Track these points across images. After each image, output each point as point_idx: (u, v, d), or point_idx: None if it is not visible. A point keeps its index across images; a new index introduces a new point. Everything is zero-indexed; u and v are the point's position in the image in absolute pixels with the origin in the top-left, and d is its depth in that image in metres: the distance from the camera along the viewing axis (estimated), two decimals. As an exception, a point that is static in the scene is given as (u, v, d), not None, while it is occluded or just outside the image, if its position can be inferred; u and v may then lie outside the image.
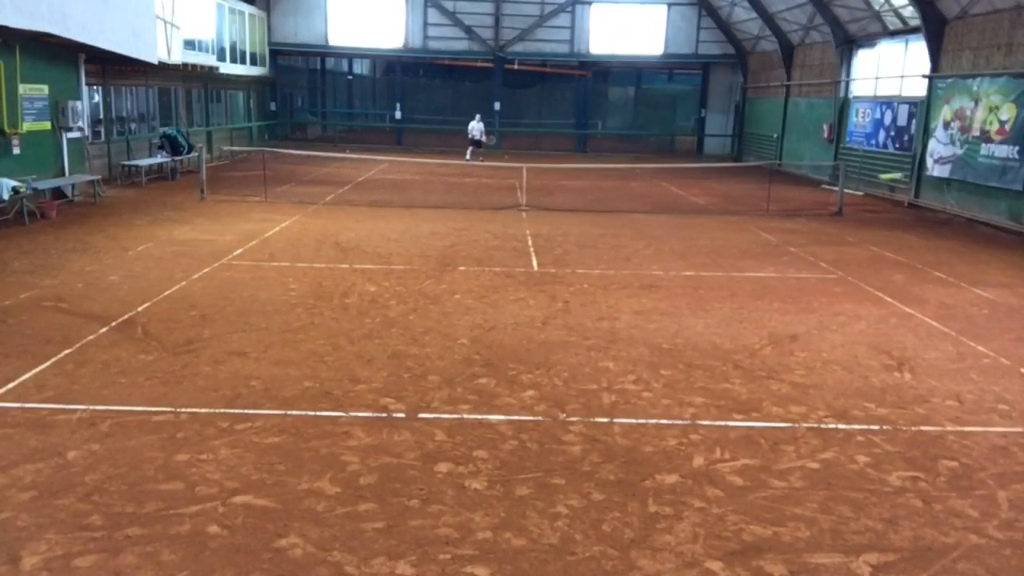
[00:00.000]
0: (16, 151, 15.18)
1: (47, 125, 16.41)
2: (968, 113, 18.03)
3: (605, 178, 25.18)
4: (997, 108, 16.99)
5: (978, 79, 17.73)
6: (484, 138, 28.84)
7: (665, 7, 33.75)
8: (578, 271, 11.46)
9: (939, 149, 19.19)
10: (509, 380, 6.96)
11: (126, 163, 20.62)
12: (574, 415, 6.26)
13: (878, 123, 22.56)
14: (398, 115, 36.32)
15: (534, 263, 11.92)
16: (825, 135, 25.58)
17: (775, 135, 30.06)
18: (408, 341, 7.96)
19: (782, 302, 10.02)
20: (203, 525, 4.51)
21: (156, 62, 19.21)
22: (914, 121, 20.61)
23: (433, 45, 34.37)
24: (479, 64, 36.27)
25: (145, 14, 18.19)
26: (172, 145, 22.10)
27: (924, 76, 20.03)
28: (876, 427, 6.22)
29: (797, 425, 6.20)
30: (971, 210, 17.81)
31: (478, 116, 29.05)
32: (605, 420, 6.18)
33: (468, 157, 27.68)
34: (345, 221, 15.22)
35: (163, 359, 7.22)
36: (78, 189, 17.01)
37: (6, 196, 13.67)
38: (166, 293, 9.50)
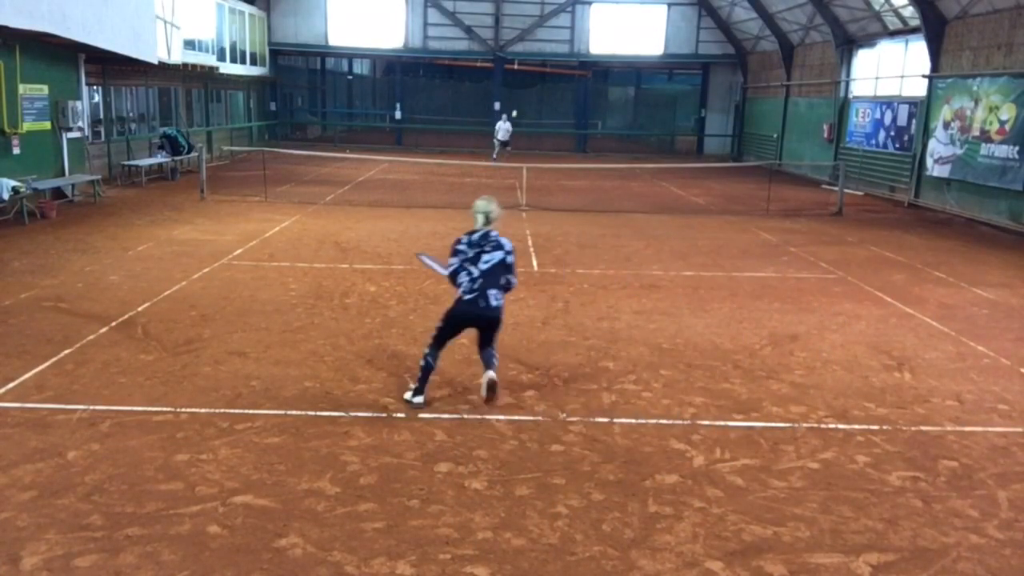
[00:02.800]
0: (16, 151, 15.19)
1: (47, 125, 16.42)
2: (968, 113, 18.03)
3: (605, 178, 25.18)
4: (997, 108, 16.99)
5: (978, 79, 17.73)
6: (509, 138, 29.12)
7: (665, 7, 33.76)
8: (578, 271, 11.46)
9: (939, 149, 19.19)
10: (509, 380, 6.95)
11: (126, 163, 20.63)
12: (574, 415, 6.26)
13: (878, 123, 22.57)
14: (398, 115, 36.34)
15: (534, 263, 11.92)
16: (825, 135, 25.59)
17: (775, 135, 30.07)
18: (408, 341, 7.96)
19: (782, 302, 10.02)
20: (203, 525, 4.51)
21: (156, 62, 19.20)
22: (914, 121, 20.61)
23: (433, 45, 34.37)
24: (479, 64, 36.26)
25: (145, 14, 18.19)
26: (172, 145, 22.10)
27: (924, 76, 20.04)
28: (876, 427, 6.22)
29: (797, 425, 6.20)
30: (971, 210, 17.82)
31: (505, 116, 29.41)
32: (605, 420, 6.18)
33: (495, 156, 28.05)
34: (345, 221, 15.22)
35: (163, 359, 7.22)
36: (78, 189, 17.01)
37: (6, 196, 13.67)
38: (166, 293, 9.50)
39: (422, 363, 6.29)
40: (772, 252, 13.40)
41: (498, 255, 6.16)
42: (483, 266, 6.13)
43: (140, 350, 7.44)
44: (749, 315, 9.36)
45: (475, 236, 6.18)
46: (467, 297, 6.14)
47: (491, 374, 6.31)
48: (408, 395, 6.35)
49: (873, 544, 4.56)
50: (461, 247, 6.19)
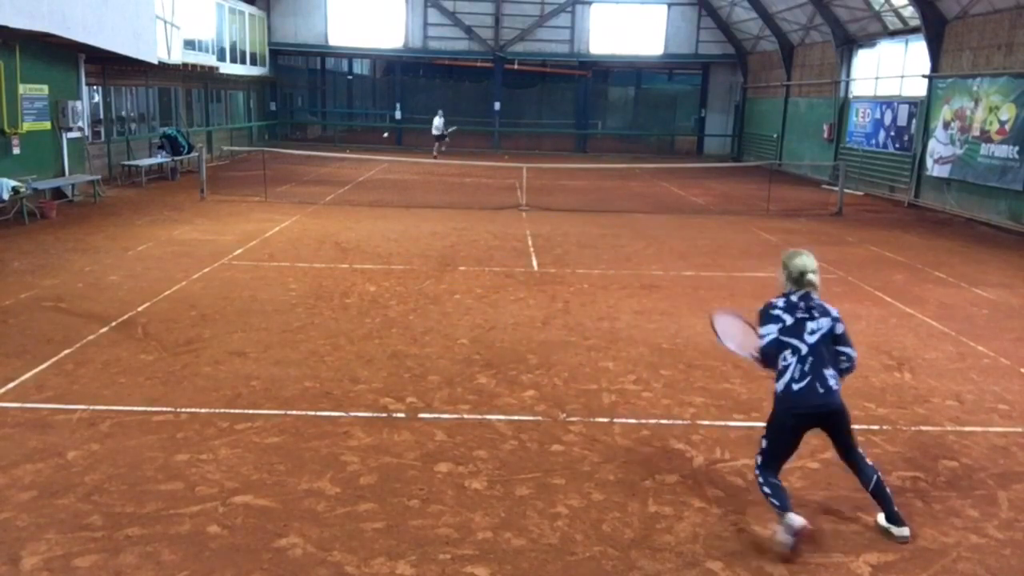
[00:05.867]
0: (16, 151, 15.19)
1: (47, 125, 16.41)
2: (968, 113, 18.03)
3: (605, 178, 25.18)
4: (997, 108, 16.99)
5: (978, 79, 17.73)
6: (447, 132, 29.84)
7: (665, 7, 33.75)
8: (578, 271, 11.45)
9: (939, 149, 19.19)
10: (509, 380, 6.96)
11: (126, 163, 20.63)
12: (574, 415, 6.26)
13: (878, 123, 22.56)
14: (398, 115, 36.33)
15: (534, 263, 11.92)
16: (825, 135, 25.58)
17: (775, 135, 30.06)
18: (408, 341, 7.96)
19: (782, 302, 10.00)
20: (203, 525, 4.51)
21: (156, 62, 19.21)
22: (914, 121, 20.61)
23: (433, 45, 34.36)
24: (479, 64, 36.26)
25: (145, 14, 18.19)
26: (172, 145, 22.10)
27: (924, 76, 20.03)
28: (876, 427, 6.22)
29: (797, 425, 6.19)
30: (971, 210, 17.82)
31: (440, 112, 30.23)
32: (605, 420, 6.18)
33: (435, 153, 28.32)
34: (345, 221, 15.22)
35: (163, 359, 7.22)
36: (78, 189, 17.02)
37: (6, 196, 13.67)
38: (166, 293, 9.50)
39: (767, 490, 4.55)
40: (772, 252, 13.39)
41: (826, 322, 4.61)
42: (810, 338, 4.56)
43: (140, 350, 7.44)
44: (749, 315, 9.34)
45: (794, 297, 4.64)
46: (797, 386, 4.51)
47: (905, 531, 4.60)
48: (780, 533, 4.40)
49: (873, 544, 4.55)
50: (777, 311, 4.65)
